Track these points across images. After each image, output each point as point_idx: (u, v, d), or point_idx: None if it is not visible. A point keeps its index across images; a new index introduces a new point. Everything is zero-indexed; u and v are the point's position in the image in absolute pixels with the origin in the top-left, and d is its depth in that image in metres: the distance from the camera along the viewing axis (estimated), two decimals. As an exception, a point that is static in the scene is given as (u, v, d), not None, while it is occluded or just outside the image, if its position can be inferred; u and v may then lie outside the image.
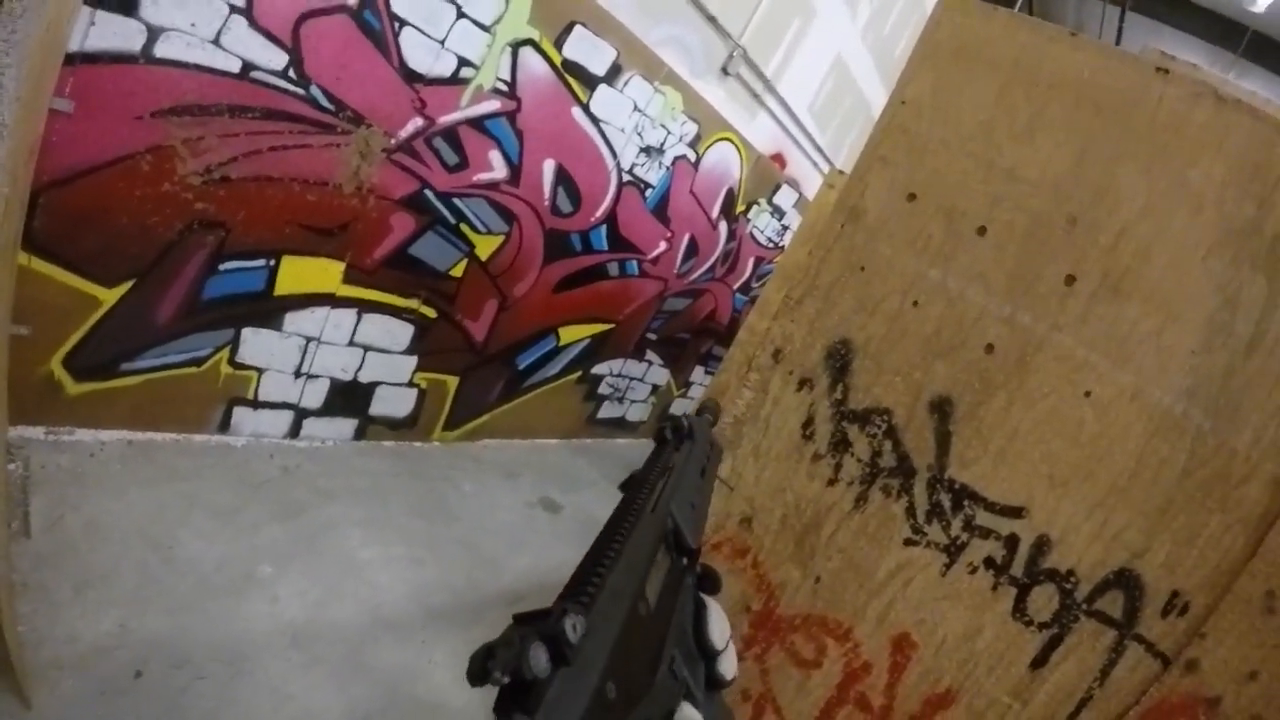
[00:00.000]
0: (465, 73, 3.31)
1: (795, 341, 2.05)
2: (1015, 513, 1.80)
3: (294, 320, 3.28)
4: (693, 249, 5.34)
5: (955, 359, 1.85)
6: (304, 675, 2.37)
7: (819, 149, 5.77)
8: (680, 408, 6.64)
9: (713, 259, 5.62)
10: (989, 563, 1.82)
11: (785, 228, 6.14)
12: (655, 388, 6.19)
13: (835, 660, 1.99)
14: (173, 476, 2.89)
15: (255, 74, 2.67)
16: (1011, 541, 1.81)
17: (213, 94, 2.60)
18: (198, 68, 2.53)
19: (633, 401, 6.01)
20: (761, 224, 5.88)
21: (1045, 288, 1.78)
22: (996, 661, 1.82)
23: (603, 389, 5.54)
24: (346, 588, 2.83)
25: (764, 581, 2.07)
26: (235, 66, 2.61)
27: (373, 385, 3.81)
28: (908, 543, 1.89)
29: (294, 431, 3.55)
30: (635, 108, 4.14)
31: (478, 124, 3.49)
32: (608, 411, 5.78)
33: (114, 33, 2.31)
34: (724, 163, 5.06)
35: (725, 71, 4.52)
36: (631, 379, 5.78)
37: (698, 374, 6.63)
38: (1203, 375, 1.64)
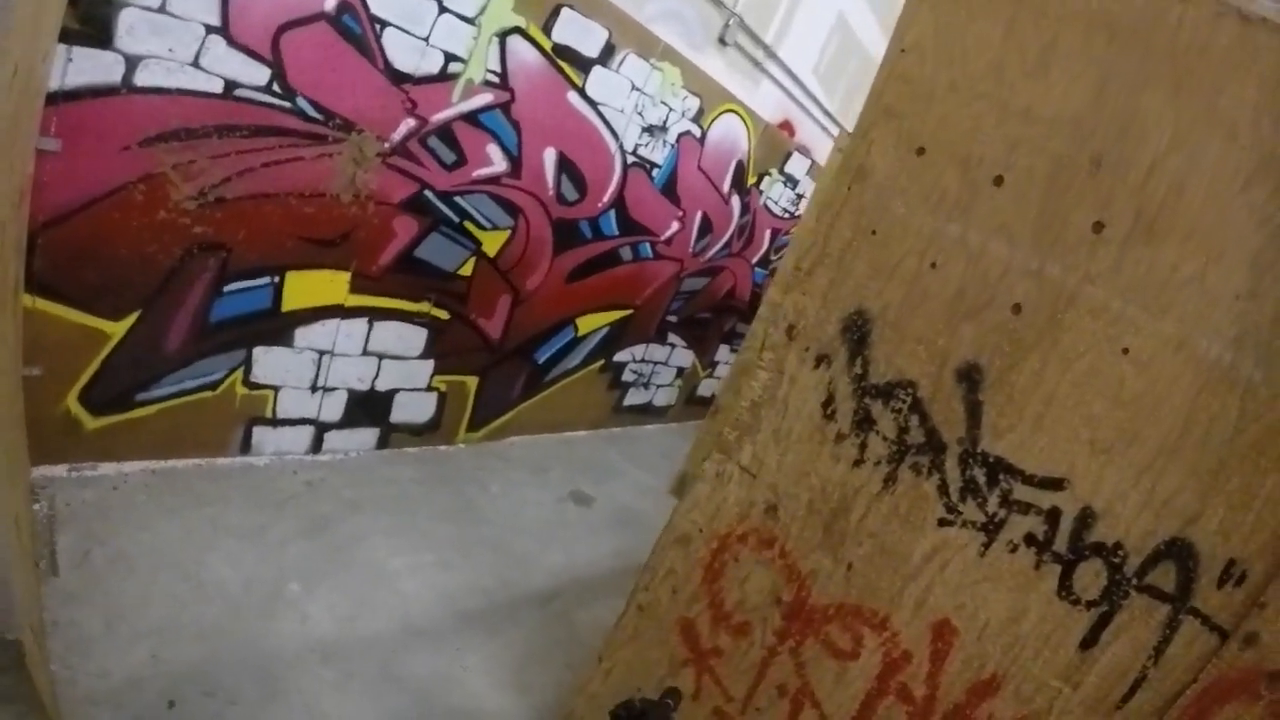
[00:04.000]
0: (454, 68, 3.22)
1: (809, 315, 1.93)
2: (1056, 484, 1.68)
3: (305, 335, 3.26)
4: (706, 226, 5.20)
5: (981, 321, 1.72)
6: (337, 692, 2.36)
7: (827, 113, 5.57)
8: (707, 388, 6.54)
9: (728, 234, 5.48)
10: (1030, 540, 1.70)
11: (800, 196, 5.96)
12: (680, 370, 6.09)
13: (873, 650, 1.89)
14: (197, 502, 2.89)
15: (239, 92, 2.62)
16: (1053, 515, 1.68)
17: (198, 116, 2.56)
18: (180, 92, 2.49)
19: (659, 386, 5.92)
20: (775, 194, 5.71)
21: (1073, 236, 1.64)
22: (1043, 644, 1.71)
23: (627, 375, 5.46)
24: (376, 599, 2.82)
25: (794, 571, 1.97)
26: (218, 86, 2.57)
27: (391, 393, 3.78)
28: (942, 523, 1.78)
29: (316, 446, 3.54)
30: (633, 87, 4.01)
31: (472, 119, 3.41)
32: (634, 398, 5.70)
33: (92, 66, 2.27)
34: (731, 135, 4.90)
35: (723, 41, 4.35)
36: (655, 363, 5.69)
37: (723, 353, 6.52)
38: (1251, 321, 1.49)
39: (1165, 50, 1.55)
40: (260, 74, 2.65)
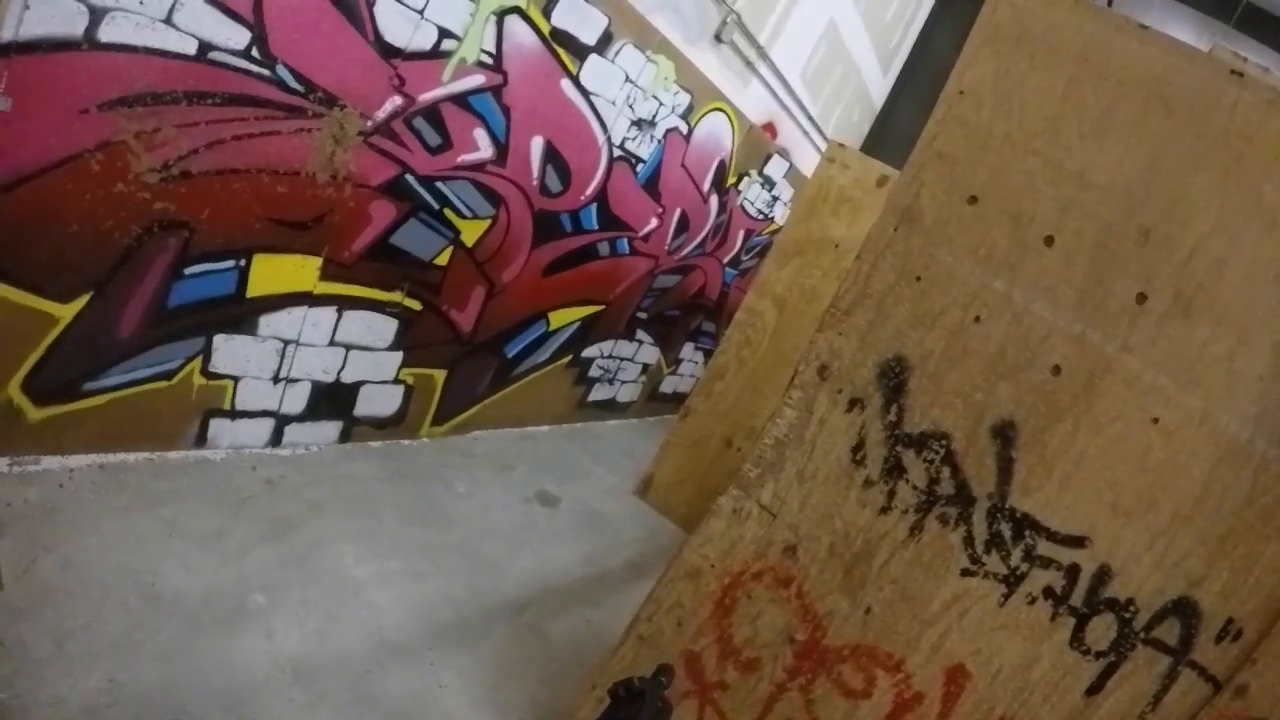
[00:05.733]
0: (447, 45, 3.03)
1: (844, 357, 1.90)
2: (1078, 542, 1.72)
3: (269, 323, 3.03)
4: (684, 224, 5.14)
5: (1020, 381, 1.73)
6: (309, 716, 2.22)
7: (810, 118, 5.57)
8: (670, 385, 6.52)
9: (703, 233, 5.43)
10: (1048, 593, 1.75)
11: (775, 199, 5.96)
12: (645, 367, 6.03)
13: (885, 690, 1.91)
14: (150, 501, 2.66)
15: (214, 55, 2.38)
16: (1072, 571, 1.73)
17: (167, 80, 2.31)
18: (149, 51, 2.23)
19: (623, 382, 5.85)
20: (752, 195, 5.68)
21: (1116, 305, 1.66)
22: (1051, 690, 1.77)
23: (593, 371, 5.37)
24: (345, 611, 2.67)
25: (809, 612, 1.96)
26: (191, 48, 2.32)
27: (357, 385, 3.58)
28: (965, 573, 1.80)
29: (275, 440, 3.32)
30: (627, 79, 3.88)
31: (461, 100, 3.22)
32: (599, 394, 5.62)
33: (52, 16, 2.01)
34: (716, 134, 4.83)
35: (719, 39, 4.27)
36: (622, 359, 5.61)
37: (687, 350, 6.49)
38: (1270, 402, 1.57)
39: (1219, 133, 1.58)
40: (239, 36, 2.42)
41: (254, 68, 2.50)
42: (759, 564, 2.00)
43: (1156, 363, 1.64)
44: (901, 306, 1.83)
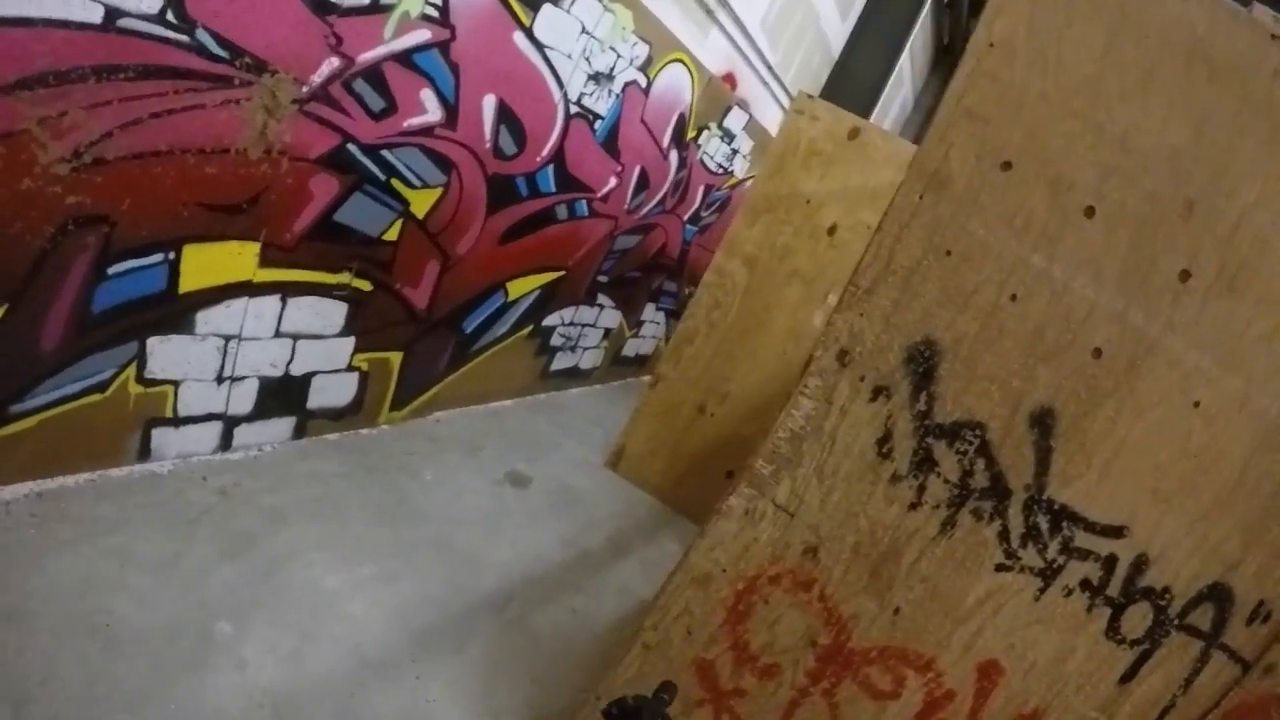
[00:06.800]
0: (387, -2, 2.69)
1: (866, 341, 1.74)
2: (1116, 532, 1.64)
3: (207, 319, 2.73)
4: (643, 182, 4.88)
5: (1060, 364, 1.61)
6: (296, 752, 2.06)
7: (769, 67, 5.32)
8: (632, 348, 6.34)
9: (663, 191, 5.19)
10: (1085, 584, 1.67)
11: (735, 151, 5.73)
12: (608, 331, 5.83)
13: (915, 690, 1.83)
14: (96, 529, 2.38)
15: (123, 22, 2.03)
16: (1110, 562, 1.65)
17: (71, 55, 1.97)
18: (48, 23, 1.89)
19: (585, 349, 5.65)
20: (711, 150, 5.44)
21: (1160, 282, 1.55)
22: (1086, 680, 1.72)
23: (555, 340, 5.14)
24: (320, 629, 2.48)
25: (833, 615, 1.85)
26: (97, 15, 1.97)
27: (308, 376, 3.30)
28: (1000, 568, 1.71)
29: (225, 444, 3.04)
30: (583, 29, 3.57)
31: (405, 59, 2.89)
32: (561, 362, 5.40)
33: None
34: (676, 87, 4.56)
35: (679, -16, 3.99)
36: (584, 326, 5.40)
37: (649, 311, 6.30)
38: (1310, 383, 1.49)
39: (1263, 98, 1.46)
40: (151, 0, 2.07)
41: (170, 34, 2.15)
42: (776, 567, 1.88)
43: (1199, 343, 1.55)
44: (930, 284, 1.68)
